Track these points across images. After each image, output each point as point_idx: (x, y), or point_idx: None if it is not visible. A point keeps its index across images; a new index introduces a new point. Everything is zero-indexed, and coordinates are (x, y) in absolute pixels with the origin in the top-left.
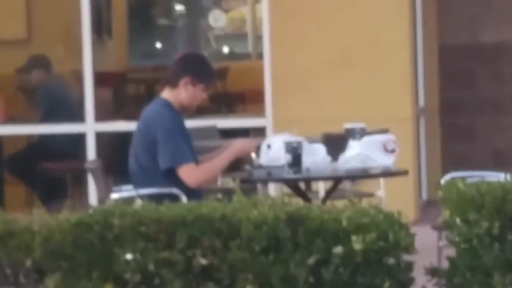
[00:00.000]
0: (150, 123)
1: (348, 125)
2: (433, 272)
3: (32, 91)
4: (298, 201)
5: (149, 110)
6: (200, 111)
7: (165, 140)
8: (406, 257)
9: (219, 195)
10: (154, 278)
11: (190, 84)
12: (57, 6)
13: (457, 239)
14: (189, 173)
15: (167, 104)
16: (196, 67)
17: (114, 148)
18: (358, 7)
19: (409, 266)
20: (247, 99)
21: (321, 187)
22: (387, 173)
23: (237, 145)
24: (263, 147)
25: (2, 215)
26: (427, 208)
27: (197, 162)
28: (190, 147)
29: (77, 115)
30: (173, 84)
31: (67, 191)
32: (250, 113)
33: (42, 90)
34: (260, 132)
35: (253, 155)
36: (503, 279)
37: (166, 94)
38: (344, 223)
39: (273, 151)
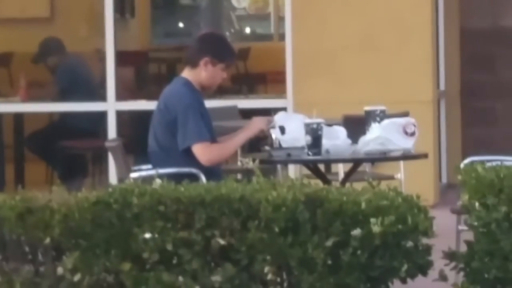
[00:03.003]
0: (170, 102)
1: (368, 108)
2: (451, 256)
3: (52, 75)
4: (317, 183)
5: (169, 89)
6: (221, 91)
7: (183, 119)
8: (424, 241)
9: (239, 176)
10: (172, 258)
11: (210, 63)
12: None
13: (475, 223)
14: (202, 151)
15: (187, 84)
16: (216, 47)
17: (135, 127)
18: None
19: (428, 249)
20: (268, 80)
21: (340, 169)
22: (406, 156)
23: (254, 124)
24: (276, 128)
25: (22, 193)
26: (446, 191)
27: (214, 141)
28: (209, 127)
29: (98, 94)
30: (193, 64)
31: (87, 170)
32: (271, 94)
33: (61, 69)
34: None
35: (272, 134)
36: None
37: (186, 73)
38: (363, 205)
39: (291, 133)
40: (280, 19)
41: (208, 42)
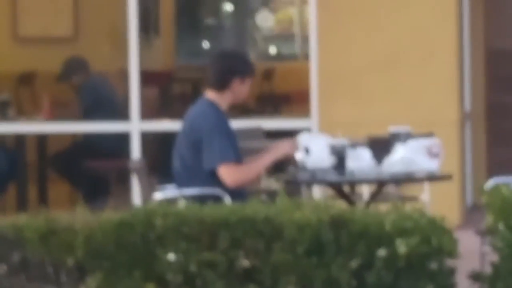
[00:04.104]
0: (195, 123)
1: (393, 129)
2: (475, 277)
3: (75, 94)
4: (342, 204)
5: (194, 110)
6: (245, 112)
7: (209, 140)
8: (449, 262)
9: (263, 197)
10: (196, 279)
11: (240, 82)
12: (103, 4)
13: (500, 244)
14: (227, 173)
15: (212, 105)
16: (242, 65)
17: (159, 147)
18: (405, 10)
19: (452, 271)
20: (293, 100)
21: (365, 190)
22: (431, 177)
23: (280, 147)
24: (301, 149)
25: (45, 213)
26: (471, 212)
27: (240, 162)
28: (234, 148)
29: (122, 114)
30: (222, 86)
31: (110, 190)
32: (295, 114)
33: (85, 88)
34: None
35: (296, 156)
36: None
37: (211, 95)
38: (388, 226)
39: (316, 154)
40: (305, 39)
41: (233, 62)
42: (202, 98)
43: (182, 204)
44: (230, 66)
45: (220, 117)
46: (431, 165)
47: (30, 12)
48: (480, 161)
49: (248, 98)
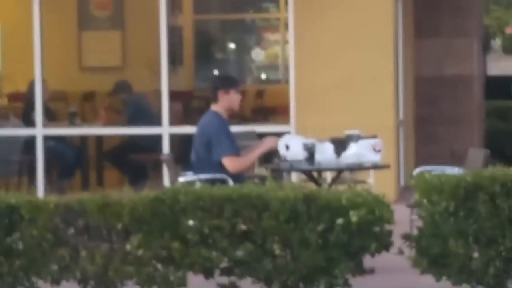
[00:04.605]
0: (205, 129)
1: (348, 132)
2: (406, 237)
3: (120, 109)
4: (312, 186)
5: (204, 120)
6: (243, 120)
7: (216, 140)
8: (387, 227)
9: (256, 180)
10: (208, 239)
11: (224, 93)
12: (143, 42)
13: (424, 214)
14: (230, 163)
15: (216, 115)
16: (222, 81)
17: (182, 145)
18: (355, 48)
19: (390, 233)
20: (277, 111)
21: (328, 176)
22: (375, 167)
23: (265, 142)
24: (283, 146)
25: (101, 192)
26: (403, 192)
27: (239, 155)
28: (234, 144)
29: (156, 121)
30: (215, 99)
31: (147, 175)
32: (279, 121)
33: (129, 103)
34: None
35: (280, 150)
36: (456, 243)
37: (214, 107)
38: (344, 201)
39: (294, 150)
40: (286, 69)
41: (216, 81)
42: (209, 110)
43: (198, 185)
44: (214, 83)
45: (222, 122)
46: (375, 158)
47: (90, 49)
48: (410, 156)
49: (244, 110)
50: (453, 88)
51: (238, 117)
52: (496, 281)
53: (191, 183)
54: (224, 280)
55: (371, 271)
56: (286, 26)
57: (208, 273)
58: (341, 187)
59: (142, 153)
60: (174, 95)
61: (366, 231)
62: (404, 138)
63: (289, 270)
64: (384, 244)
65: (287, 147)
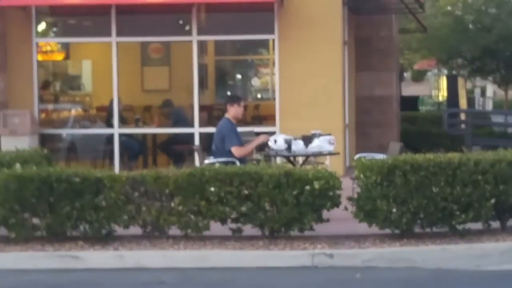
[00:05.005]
0: (221, 129)
1: (313, 131)
2: (350, 199)
3: (167, 116)
4: (289, 165)
5: (220, 123)
6: (246, 123)
7: (228, 136)
8: (338, 192)
9: (254, 162)
10: (223, 199)
11: (231, 106)
12: (182, 73)
13: (361, 184)
14: (236, 151)
15: (228, 120)
16: (231, 98)
17: (207, 139)
18: (317, 76)
19: (339, 196)
20: (268, 119)
21: (300, 159)
22: (330, 154)
23: (260, 138)
24: (271, 140)
25: (155, 169)
26: (348, 170)
27: (242, 146)
28: (239, 139)
29: (191, 125)
30: (226, 110)
31: (185, 159)
32: (269, 125)
33: (173, 113)
34: (272, 134)
35: (269, 143)
36: (381, 203)
37: (226, 115)
38: (310, 175)
39: (278, 143)
40: (273, 91)
41: (227, 98)
42: (223, 117)
43: (217, 165)
44: (226, 99)
45: (231, 125)
46: (330, 148)
47: (149, 78)
48: (352, 146)
49: (246, 117)
50: (380, 104)
51: (242, 122)
52: (407, 227)
53: (212, 164)
54: (233, 225)
55: (327, 220)
56: (273, 63)
57: (223, 221)
58: (308, 167)
59: (181, 144)
60: (202, 108)
61: (324, 194)
62: (348, 135)
63: (275, 220)
64: (336, 203)
65: (275, 141)
